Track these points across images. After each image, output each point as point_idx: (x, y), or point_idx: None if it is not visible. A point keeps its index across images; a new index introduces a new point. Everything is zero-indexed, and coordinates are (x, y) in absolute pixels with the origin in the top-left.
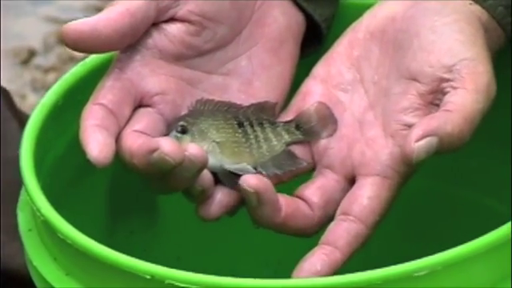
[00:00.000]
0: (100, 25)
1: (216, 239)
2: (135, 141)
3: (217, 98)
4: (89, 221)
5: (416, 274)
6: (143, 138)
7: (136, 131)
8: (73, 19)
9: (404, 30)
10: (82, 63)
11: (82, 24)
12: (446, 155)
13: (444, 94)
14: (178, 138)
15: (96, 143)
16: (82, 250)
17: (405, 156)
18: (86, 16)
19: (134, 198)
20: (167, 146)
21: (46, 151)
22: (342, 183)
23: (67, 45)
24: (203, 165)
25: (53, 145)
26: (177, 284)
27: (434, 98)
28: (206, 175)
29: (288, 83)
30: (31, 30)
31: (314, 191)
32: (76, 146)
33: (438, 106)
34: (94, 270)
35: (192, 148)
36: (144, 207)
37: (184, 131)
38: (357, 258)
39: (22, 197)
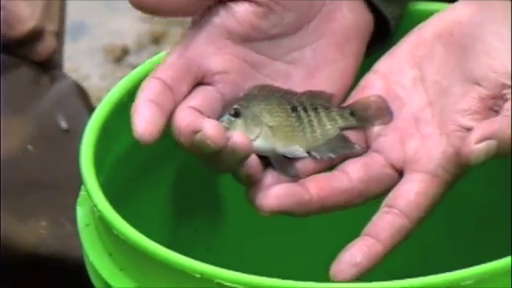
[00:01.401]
0: None
1: (280, 239)
2: (185, 118)
3: (276, 84)
4: (152, 218)
5: (463, 283)
6: (193, 115)
7: (190, 107)
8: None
9: (470, 34)
10: (148, 61)
11: None
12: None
13: (505, 100)
14: (230, 122)
15: (143, 119)
16: (135, 246)
17: (463, 157)
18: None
19: (198, 195)
20: (210, 129)
21: (108, 147)
22: (388, 169)
23: (132, 4)
24: (246, 153)
25: (116, 141)
26: (225, 284)
27: (494, 103)
28: (253, 161)
29: (350, 79)
30: (126, 29)
31: (358, 167)
32: (136, 145)
33: (496, 112)
34: (145, 267)
35: (236, 136)
36: (208, 205)
37: (237, 114)
38: (400, 258)
39: (82, 192)
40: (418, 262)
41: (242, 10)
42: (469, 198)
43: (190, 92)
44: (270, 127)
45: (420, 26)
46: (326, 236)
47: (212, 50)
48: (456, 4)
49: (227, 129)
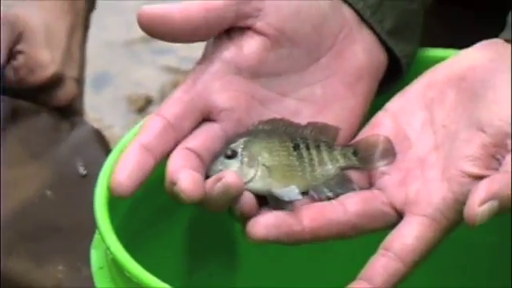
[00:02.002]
0: (174, 12)
1: (296, 282)
2: (174, 163)
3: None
4: (166, 262)
5: None
6: (179, 163)
7: (187, 149)
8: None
9: (482, 80)
10: None
11: (157, 8)
12: None
13: (507, 150)
14: (224, 163)
15: (125, 169)
16: None
17: (469, 220)
18: None
19: (213, 240)
20: (185, 182)
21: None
22: (387, 207)
23: (141, 26)
24: (238, 193)
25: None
26: None
27: (497, 151)
28: (249, 199)
29: (359, 118)
30: (149, 79)
31: (357, 201)
32: (154, 187)
33: (498, 160)
34: None
35: (229, 176)
36: (223, 249)
37: (233, 156)
38: None
39: (96, 235)
40: None
41: (250, 44)
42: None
43: (194, 128)
44: (268, 167)
45: (434, 68)
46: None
47: (219, 86)
48: (472, 48)
49: (221, 170)
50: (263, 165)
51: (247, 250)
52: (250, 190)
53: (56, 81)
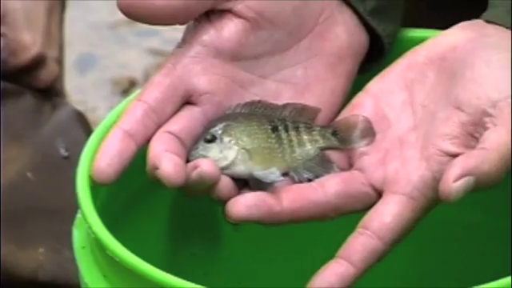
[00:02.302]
0: None
1: (278, 263)
2: (155, 147)
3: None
4: (149, 242)
5: None
6: (161, 147)
7: (168, 132)
8: None
9: (462, 60)
10: None
11: None
12: None
13: (485, 128)
14: (204, 148)
15: (107, 156)
16: (129, 267)
17: (443, 196)
18: None
19: (196, 220)
20: (167, 168)
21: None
22: (367, 188)
23: (121, 9)
24: (214, 181)
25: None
26: None
27: (475, 130)
28: (227, 185)
29: (340, 99)
30: (134, 61)
31: (338, 181)
32: (136, 168)
33: (476, 138)
34: None
35: (205, 164)
36: (205, 229)
37: (212, 140)
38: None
39: (78, 215)
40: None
41: (230, 27)
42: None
43: (175, 112)
44: (247, 150)
45: (414, 49)
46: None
47: (199, 70)
48: (452, 29)
49: (201, 155)
50: (243, 148)
51: (230, 230)
52: (230, 174)
53: (38, 62)
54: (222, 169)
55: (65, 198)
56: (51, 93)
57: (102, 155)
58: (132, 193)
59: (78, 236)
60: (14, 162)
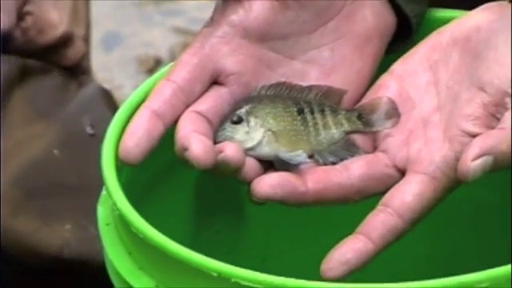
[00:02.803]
0: None
1: (302, 241)
2: (183, 127)
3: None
4: (174, 219)
5: (478, 286)
6: (189, 127)
7: (196, 112)
8: None
9: (486, 40)
10: (172, 63)
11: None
12: None
13: (506, 109)
14: (231, 129)
15: (134, 137)
16: (153, 244)
17: (462, 175)
18: None
19: (220, 198)
20: (197, 149)
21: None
22: (391, 169)
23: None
24: (238, 165)
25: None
26: (242, 283)
27: (497, 110)
28: (253, 168)
29: (367, 80)
30: (159, 40)
31: (362, 164)
32: (161, 145)
33: (498, 119)
34: (164, 265)
35: (229, 149)
36: (230, 208)
37: (239, 121)
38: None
39: (103, 192)
40: (436, 268)
41: (258, 7)
42: (483, 204)
43: (204, 92)
44: (274, 132)
45: (439, 30)
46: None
47: (227, 50)
48: (476, 10)
49: (228, 136)
50: (269, 130)
51: (254, 208)
52: (256, 155)
53: (65, 40)
54: (248, 150)
55: (90, 175)
56: (78, 71)
57: (130, 135)
58: (156, 170)
59: (102, 213)
60: (40, 138)
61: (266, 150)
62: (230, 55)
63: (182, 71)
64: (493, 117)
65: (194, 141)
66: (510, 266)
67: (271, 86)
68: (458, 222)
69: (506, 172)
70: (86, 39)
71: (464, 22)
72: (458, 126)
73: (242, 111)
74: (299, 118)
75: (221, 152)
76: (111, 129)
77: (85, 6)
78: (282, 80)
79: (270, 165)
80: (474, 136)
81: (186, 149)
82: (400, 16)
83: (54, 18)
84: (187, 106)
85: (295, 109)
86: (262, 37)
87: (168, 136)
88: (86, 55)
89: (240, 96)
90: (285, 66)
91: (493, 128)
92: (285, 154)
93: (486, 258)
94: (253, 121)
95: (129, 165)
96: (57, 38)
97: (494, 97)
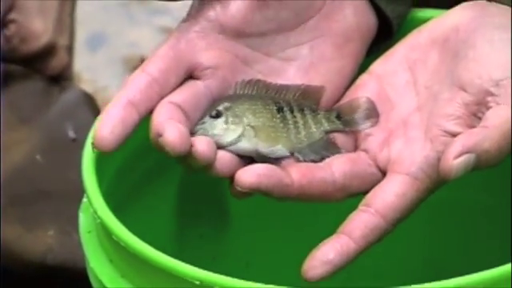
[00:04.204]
0: None
1: (286, 245)
2: (159, 115)
3: (268, 81)
4: (157, 224)
5: None
6: (168, 114)
7: (172, 103)
8: None
9: (464, 40)
10: None
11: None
12: None
13: (488, 108)
14: (210, 123)
15: (109, 122)
16: (135, 252)
17: (443, 173)
18: None
19: (203, 202)
20: (171, 135)
21: (111, 155)
22: (373, 168)
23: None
24: (208, 162)
25: (119, 148)
26: None
27: (478, 110)
28: (226, 163)
29: (346, 80)
30: (145, 40)
31: (344, 161)
32: (143, 150)
33: (480, 118)
34: (146, 273)
35: (199, 144)
36: (213, 211)
37: (218, 115)
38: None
39: (84, 199)
40: (420, 269)
41: (236, 3)
42: (469, 206)
43: (178, 85)
44: (252, 127)
45: (417, 29)
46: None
47: (203, 45)
48: (454, 9)
49: (207, 130)
50: (248, 125)
51: (238, 211)
52: (235, 150)
53: (48, 50)
54: (227, 145)
55: (73, 181)
56: (60, 79)
57: (104, 123)
58: (138, 176)
59: (84, 220)
60: (22, 144)
61: (246, 145)
62: (206, 50)
63: (157, 63)
64: (474, 116)
65: (169, 127)
66: (495, 269)
67: (247, 82)
68: (450, 224)
69: (504, 175)
70: (70, 49)
71: (442, 21)
72: (439, 126)
73: (221, 107)
74: (278, 115)
75: (192, 146)
76: (92, 134)
77: (69, 15)
78: (258, 77)
79: (249, 162)
80: (455, 136)
81: (160, 135)
82: (381, 17)
83: (38, 27)
84: (161, 98)
85: (275, 107)
86: (239, 33)
87: (147, 141)
88: (68, 64)
89: (216, 90)
90: (262, 62)
91: (474, 127)
92: (264, 148)
93: (475, 260)
94: (232, 116)
95: (102, 152)
96: (40, 48)
97: (475, 96)
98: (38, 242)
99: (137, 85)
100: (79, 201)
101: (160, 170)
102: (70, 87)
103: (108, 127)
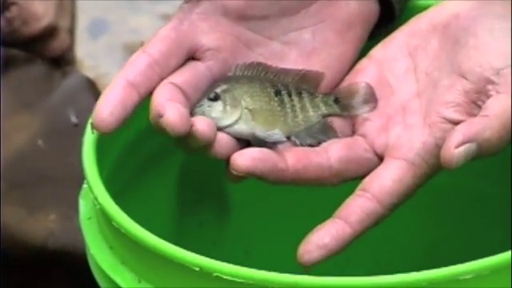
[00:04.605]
0: None
1: (286, 233)
2: (158, 96)
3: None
4: (157, 212)
5: (462, 278)
6: (168, 95)
7: (172, 84)
8: None
9: (465, 28)
10: None
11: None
12: None
13: (488, 96)
14: (208, 105)
15: (109, 103)
16: (134, 239)
17: (444, 162)
18: None
19: (203, 189)
20: (172, 116)
21: (111, 141)
22: (369, 153)
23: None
24: (208, 141)
25: (119, 135)
26: (224, 277)
27: (478, 98)
28: (224, 145)
29: (347, 65)
30: (146, 27)
31: (340, 147)
32: (144, 136)
33: (480, 106)
34: (146, 260)
35: (199, 123)
36: (213, 199)
37: (216, 98)
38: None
39: (84, 185)
40: (420, 256)
41: None
42: (469, 193)
43: (179, 66)
44: (250, 110)
45: (418, 15)
46: None
47: (206, 27)
48: None
49: (204, 112)
50: (246, 108)
51: (238, 199)
52: (233, 133)
53: (50, 32)
54: (225, 127)
55: (75, 165)
56: (62, 62)
57: (104, 104)
58: (138, 162)
59: (84, 206)
60: (24, 129)
61: (243, 128)
62: (208, 32)
63: (158, 44)
64: (474, 104)
65: (170, 108)
66: (493, 258)
67: (247, 65)
68: (450, 212)
69: (504, 162)
70: (71, 31)
71: (443, 8)
72: (439, 113)
73: (219, 89)
74: (276, 99)
75: (192, 126)
76: (92, 120)
77: None
78: (259, 60)
79: (246, 145)
80: (454, 123)
81: (160, 115)
82: (383, 2)
83: (39, 9)
84: (162, 79)
85: (272, 90)
86: (241, 16)
87: (148, 127)
88: (70, 47)
89: (217, 72)
90: (264, 46)
91: (473, 115)
92: (261, 132)
93: (477, 247)
94: (229, 99)
95: (102, 133)
96: (41, 30)
97: (475, 84)
98: (39, 227)
99: (137, 66)
100: (81, 186)
101: (160, 156)
102: (72, 72)
103: (108, 108)
